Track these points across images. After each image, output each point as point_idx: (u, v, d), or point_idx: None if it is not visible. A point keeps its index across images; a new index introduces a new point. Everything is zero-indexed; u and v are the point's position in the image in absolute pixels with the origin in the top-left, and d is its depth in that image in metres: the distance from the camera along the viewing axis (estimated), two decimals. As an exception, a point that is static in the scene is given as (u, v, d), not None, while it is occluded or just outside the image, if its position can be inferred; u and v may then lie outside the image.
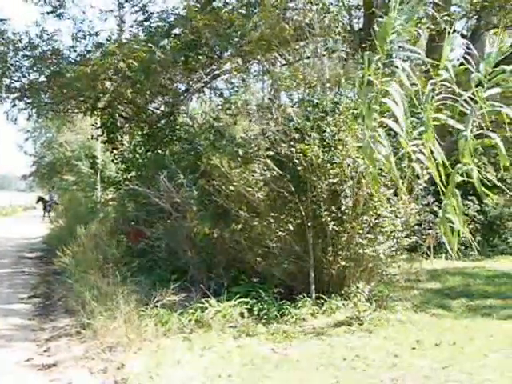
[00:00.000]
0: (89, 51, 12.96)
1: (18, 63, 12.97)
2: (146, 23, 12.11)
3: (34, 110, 14.56)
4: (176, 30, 11.51)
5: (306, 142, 7.40)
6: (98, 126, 14.22)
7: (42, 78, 12.99)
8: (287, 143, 7.52)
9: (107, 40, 13.01)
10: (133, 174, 12.75)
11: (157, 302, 6.88)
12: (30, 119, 15.62)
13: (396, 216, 7.72)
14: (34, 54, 12.71)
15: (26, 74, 13.16)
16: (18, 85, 13.29)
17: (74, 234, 11.57)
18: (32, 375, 5.75)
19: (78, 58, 12.79)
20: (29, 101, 13.70)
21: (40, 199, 43.89)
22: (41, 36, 12.80)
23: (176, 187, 8.83)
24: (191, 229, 8.52)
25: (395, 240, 7.82)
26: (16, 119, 14.93)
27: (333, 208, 7.52)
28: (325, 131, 7.51)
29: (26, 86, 13.17)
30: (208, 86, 12.83)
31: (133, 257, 9.88)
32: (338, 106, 7.64)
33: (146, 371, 5.30)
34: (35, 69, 12.90)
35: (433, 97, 4.44)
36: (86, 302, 7.16)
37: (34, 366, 6.03)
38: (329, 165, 7.41)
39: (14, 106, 13.93)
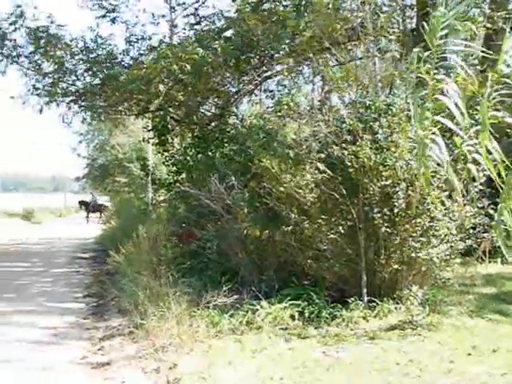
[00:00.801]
0: (141, 55, 13.17)
1: (73, 67, 13.27)
2: (197, 26, 12.22)
3: (88, 113, 14.88)
4: (227, 33, 11.57)
5: (358, 143, 7.33)
6: (150, 128, 14.42)
7: (97, 82, 13.25)
8: (339, 145, 7.47)
9: (159, 43, 13.18)
10: (183, 175, 12.87)
11: (208, 303, 6.92)
12: (84, 122, 15.96)
13: (450, 219, 7.57)
14: (89, 58, 12.97)
15: (81, 78, 13.46)
16: (73, 88, 13.60)
17: (127, 235, 11.75)
18: (86, 373, 5.85)
19: (131, 62, 13.02)
20: (83, 104, 14.00)
21: (82, 203, 44.72)
22: (95, 40, 13.09)
23: (227, 189, 8.87)
24: (242, 231, 8.54)
25: (449, 243, 7.66)
26: (71, 122, 15.28)
27: (385, 210, 7.42)
28: (377, 133, 7.43)
29: (81, 90, 13.47)
30: (259, 87, 12.86)
31: (184, 258, 9.95)
32: (391, 107, 7.55)
33: (198, 372, 5.33)
34: (90, 72, 13.17)
35: (490, 94, 4.32)
36: (138, 302, 7.24)
37: (88, 364, 6.14)
38: (381, 167, 7.32)
39: (70, 109, 14.26)
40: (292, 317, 6.98)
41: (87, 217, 42.94)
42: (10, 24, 13.15)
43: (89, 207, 43.95)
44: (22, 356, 6.35)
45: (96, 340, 7.14)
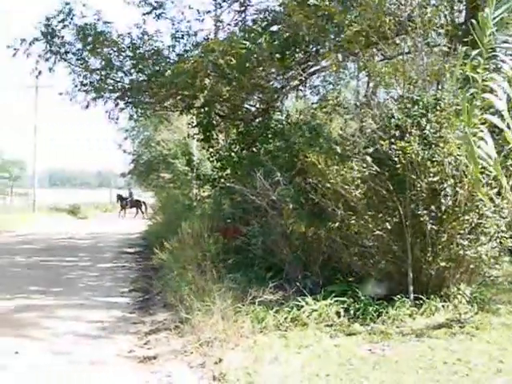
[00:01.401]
0: (187, 51, 13.25)
1: (120, 64, 13.45)
2: (242, 21, 12.24)
3: (134, 109, 15.05)
4: (272, 28, 11.55)
5: (405, 139, 7.26)
6: (195, 124, 14.51)
7: (143, 78, 13.41)
8: (386, 140, 7.41)
9: (205, 39, 13.26)
10: (228, 171, 12.93)
11: (253, 298, 6.95)
12: (130, 118, 16.16)
13: (500, 216, 7.44)
14: (136, 54, 13.12)
15: (128, 74, 13.62)
16: (119, 85, 13.79)
17: (171, 230, 11.88)
18: (133, 367, 5.95)
19: (177, 58, 13.10)
20: (129, 100, 14.18)
21: (119, 198, 45.33)
22: (142, 37, 13.22)
23: (272, 185, 8.89)
24: (287, 227, 8.55)
25: (498, 241, 7.54)
26: (117, 118, 15.50)
27: (432, 207, 7.35)
28: (425, 128, 7.34)
29: (127, 86, 13.64)
30: (304, 83, 12.83)
31: (229, 254, 10.01)
32: (439, 102, 7.45)
33: (243, 367, 5.36)
34: (136, 69, 13.33)
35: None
36: (183, 297, 7.32)
37: (135, 357, 6.25)
38: (429, 163, 7.24)
39: (116, 105, 14.45)
40: (337, 313, 6.98)
41: (120, 211, 43.58)
42: (59, 22, 13.39)
43: (124, 202, 44.58)
44: (70, 349, 6.51)
45: (142, 334, 7.25)
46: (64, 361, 6.08)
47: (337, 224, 7.81)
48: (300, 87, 13.89)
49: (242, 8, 12.51)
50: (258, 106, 13.77)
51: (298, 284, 7.87)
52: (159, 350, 6.44)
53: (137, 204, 45.19)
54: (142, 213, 43.17)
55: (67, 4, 13.33)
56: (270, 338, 6.23)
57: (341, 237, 7.94)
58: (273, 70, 11.89)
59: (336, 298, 7.19)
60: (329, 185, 7.73)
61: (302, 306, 7.03)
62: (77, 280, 11.65)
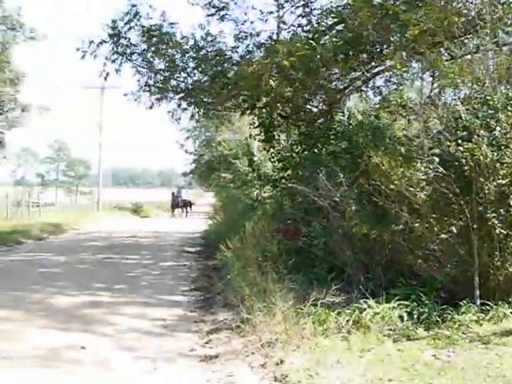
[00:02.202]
0: (250, 52, 13.29)
1: (184, 64, 13.61)
2: (306, 21, 12.18)
3: (196, 110, 15.21)
4: (337, 27, 11.45)
5: (473, 140, 7.06)
6: (256, 125, 14.54)
7: (206, 79, 13.53)
8: (453, 142, 7.23)
9: (267, 40, 13.27)
10: (289, 172, 12.90)
11: (314, 300, 6.89)
12: (192, 118, 16.35)
13: None
14: (199, 55, 13.25)
15: (191, 75, 13.78)
16: (183, 85, 13.96)
17: (232, 230, 11.93)
18: (194, 365, 5.99)
19: (239, 59, 13.17)
20: (192, 100, 14.33)
21: (173, 195, 45.92)
22: (205, 38, 13.34)
23: (334, 186, 8.81)
24: (349, 228, 8.46)
25: None
26: (179, 118, 15.70)
27: (501, 210, 7.12)
28: (495, 129, 7.13)
29: (190, 87, 13.79)
30: (367, 83, 12.68)
31: (289, 255, 9.97)
32: (510, 102, 7.23)
33: (304, 369, 5.32)
34: (199, 70, 13.46)
35: None
36: (244, 297, 7.33)
37: (196, 356, 6.29)
38: (498, 165, 7.02)
39: (179, 105, 14.64)
40: (400, 317, 6.83)
41: (172, 211, 44.11)
42: (125, 23, 13.65)
43: (176, 200, 45.14)
44: (134, 345, 6.62)
45: (203, 333, 7.31)
46: (128, 357, 6.20)
47: (400, 226, 7.67)
48: (362, 88, 13.73)
49: (307, 9, 12.42)
50: (320, 106, 13.69)
51: (359, 286, 7.76)
52: (220, 350, 6.47)
53: (185, 203, 45.87)
54: (186, 212, 43.89)
55: (134, 6, 13.59)
56: (331, 341, 6.15)
57: (404, 239, 7.79)
58: (336, 71, 11.79)
59: (399, 302, 7.04)
60: (393, 186, 7.60)
61: (365, 309, 6.92)
62: (139, 278, 11.85)
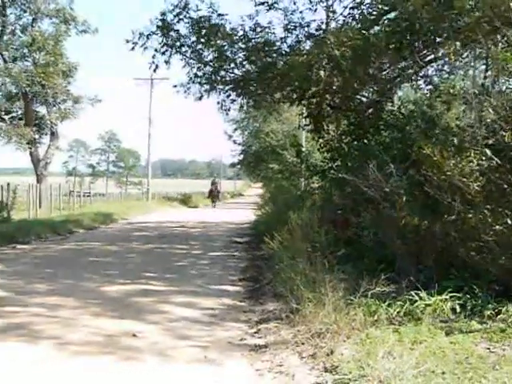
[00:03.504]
0: (299, 42, 13.22)
1: (233, 56, 13.63)
2: (356, 10, 12.03)
3: (245, 101, 15.24)
4: (389, 16, 11.27)
5: (530, 130, 6.89)
6: (305, 115, 14.48)
7: (255, 69, 13.51)
8: (508, 132, 7.05)
9: (316, 30, 13.18)
10: (338, 162, 12.81)
11: (364, 291, 6.83)
12: (241, 109, 16.42)
13: None
14: (248, 46, 13.24)
15: (240, 66, 13.78)
16: (232, 76, 13.99)
17: (281, 220, 11.91)
18: (244, 355, 6.02)
19: (289, 49, 13.11)
20: (241, 91, 14.35)
21: (213, 183, 46.31)
22: (254, 29, 13.31)
23: (384, 176, 8.71)
24: (400, 219, 8.35)
25: None
26: (228, 109, 15.78)
27: (559, 202, 6.94)
28: (552, 118, 6.94)
29: (240, 78, 13.80)
30: (418, 72, 12.46)
31: (338, 245, 9.92)
32: None
33: (355, 360, 5.27)
34: (249, 61, 13.45)
35: None
36: (293, 287, 7.31)
37: (246, 346, 6.33)
38: (556, 155, 6.84)
39: (229, 96, 14.69)
40: (453, 310, 6.72)
41: (212, 202, 44.50)
42: (175, 15, 13.74)
43: (215, 190, 45.52)
44: (185, 334, 6.72)
45: (253, 323, 7.35)
46: (180, 345, 6.28)
47: (452, 217, 7.53)
48: (413, 77, 13.50)
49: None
50: (370, 96, 13.53)
51: (410, 278, 7.66)
52: (270, 340, 6.49)
53: (218, 194, 46.38)
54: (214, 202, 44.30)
55: (183, -2, 13.66)
56: (382, 332, 6.08)
57: (456, 231, 7.66)
58: (387, 60, 11.61)
59: (451, 294, 6.92)
60: (445, 177, 7.47)
61: (416, 301, 6.82)
62: (189, 267, 11.96)
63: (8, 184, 23.36)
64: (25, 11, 28.66)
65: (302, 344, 6.02)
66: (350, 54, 10.48)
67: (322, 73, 11.14)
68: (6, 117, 29.58)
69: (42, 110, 30.72)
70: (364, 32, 10.45)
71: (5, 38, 28.61)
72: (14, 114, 30.19)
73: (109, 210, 28.65)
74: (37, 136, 29.73)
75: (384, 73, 12.39)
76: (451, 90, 11.26)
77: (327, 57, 10.88)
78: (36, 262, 12.41)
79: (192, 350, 6.08)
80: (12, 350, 5.99)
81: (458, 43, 9.28)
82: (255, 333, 6.89)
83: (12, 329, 6.76)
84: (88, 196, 37.87)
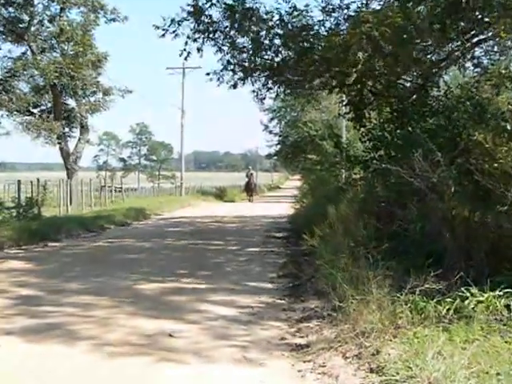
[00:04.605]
0: (338, 24, 13.07)
1: (269, 42, 13.51)
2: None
3: (282, 89, 15.15)
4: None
5: None
6: (345, 103, 14.36)
7: (292, 56, 13.41)
8: None
9: (356, 12, 13.00)
10: (381, 152, 12.67)
11: (411, 288, 6.74)
12: (277, 98, 16.34)
13: None
14: (285, 31, 13.12)
15: (277, 52, 13.67)
16: (268, 63, 13.89)
17: (321, 214, 11.86)
18: (286, 355, 6.00)
19: (327, 33, 12.96)
20: (278, 79, 14.27)
21: (247, 175, 46.33)
22: (291, 13, 13.16)
23: (431, 166, 8.58)
24: (448, 211, 8.23)
25: None
26: (264, 98, 15.70)
27: None
28: None
29: (276, 65, 13.71)
30: (466, 55, 12.25)
31: (382, 240, 9.81)
32: None
33: (402, 360, 5.20)
34: (286, 47, 13.34)
35: None
36: (335, 284, 7.26)
37: (287, 345, 6.32)
38: None
39: (265, 84, 14.61)
40: (507, 307, 6.58)
41: (249, 196, 44.51)
42: (207, 0, 13.68)
43: (251, 183, 45.50)
44: (223, 333, 6.74)
45: (293, 321, 7.33)
46: (218, 345, 6.31)
47: (506, 208, 7.39)
48: (461, 59, 13.27)
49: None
50: (414, 81, 13.35)
51: (460, 273, 7.54)
52: (312, 339, 6.46)
53: (254, 187, 46.36)
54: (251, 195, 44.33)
55: (216, -19, 13.56)
56: (431, 331, 5.99)
57: (510, 222, 7.51)
58: (431, 42, 11.41)
59: (505, 290, 6.79)
60: (497, 165, 7.33)
61: (467, 298, 6.70)
62: (225, 264, 11.99)
63: (38, 180, 23.71)
64: (53, 0, 28.98)
65: (346, 343, 5.97)
66: (391, 35, 10.29)
67: (360, 54, 10.98)
68: (35, 110, 29.98)
69: (71, 102, 31.07)
70: (405, 10, 10.21)
71: (32, 28, 28.99)
72: (42, 108, 30.58)
73: (141, 205, 28.90)
74: (66, 130, 30.12)
75: (429, 56, 12.21)
76: (502, 72, 11.06)
77: (366, 37, 10.69)
78: (68, 260, 12.59)
79: (231, 350, 6.09)
80: (50, 351, 6.08)
81: (509, 21, 9.05)
82: (296, 332, 6.87)
83: (47, 329, 6.87)
84: (119, 191, 38.19)
